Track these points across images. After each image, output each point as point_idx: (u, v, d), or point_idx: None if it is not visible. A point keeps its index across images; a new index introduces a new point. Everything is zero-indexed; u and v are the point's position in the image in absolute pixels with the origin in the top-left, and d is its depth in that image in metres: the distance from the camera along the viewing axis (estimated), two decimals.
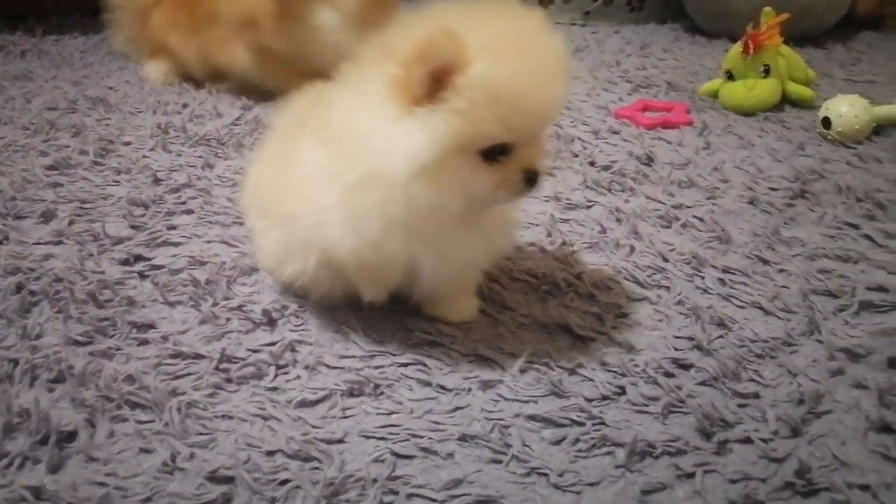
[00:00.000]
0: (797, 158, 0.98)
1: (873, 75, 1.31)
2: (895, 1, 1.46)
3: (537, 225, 0.82)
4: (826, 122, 1.03)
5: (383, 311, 0.67)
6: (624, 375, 0.58)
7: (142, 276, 0.72)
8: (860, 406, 0.54)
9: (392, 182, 0.51)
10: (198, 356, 0.61)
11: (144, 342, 0.62)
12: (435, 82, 0.49)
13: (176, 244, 0.78)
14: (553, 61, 0.53)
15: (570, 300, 0.69)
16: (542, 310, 0.67)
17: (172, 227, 0.81)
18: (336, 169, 0.55)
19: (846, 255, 0.74)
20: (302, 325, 0.66)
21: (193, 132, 1.07)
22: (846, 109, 1.02)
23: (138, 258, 0.75)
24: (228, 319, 0.66)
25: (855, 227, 0.80)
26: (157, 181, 0.92)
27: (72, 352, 0.60)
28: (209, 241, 0.79)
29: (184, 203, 0.87)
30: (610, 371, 0.59)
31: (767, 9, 1.18)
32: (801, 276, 0.72)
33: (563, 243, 0.78)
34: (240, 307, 0.67)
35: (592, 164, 0.98)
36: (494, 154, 0.52)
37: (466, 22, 0.50)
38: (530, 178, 0.54)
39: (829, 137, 1.03)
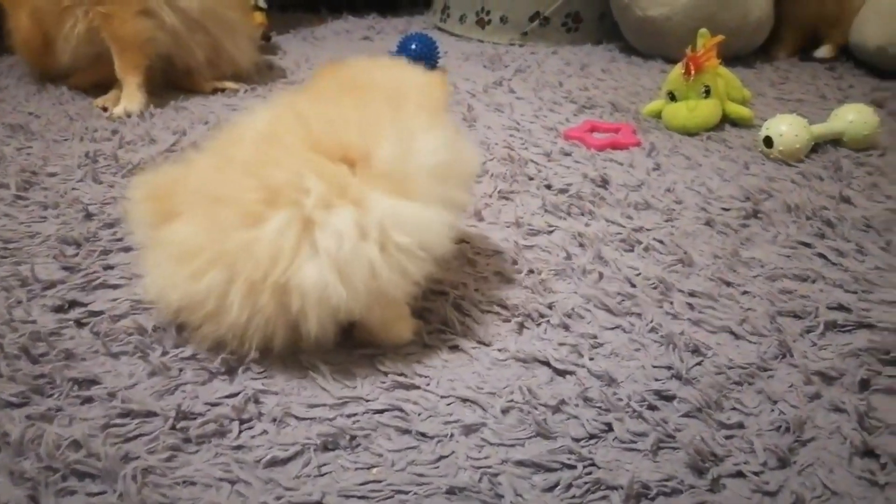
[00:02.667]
0: (744, 177, 1.00)
1: (802, 94, 1.37)
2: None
3: (501, 252, 0.81)
4: (768, 142, 1.06)
5: (350, 352, 0.63)
6: (609, 411, 0.57)
7: (79, 324, 0.66)
8: (841, 431, 0.54)
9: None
10: (150, 414, 0.55)
11: (88, 400, 0.56)
12: None
13: (115, 286, 0.72)
14: None
15: (544, 332, 0.67)
16: (517, 343, 0.65)
17: (110, 267, 0.75)
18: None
19: (804, 275, 0.76)
20: (264, 372, 0.61)
21: (126, 160, 1.00)
22: (786, 129, 1.05)
23: (74, 304, 0.68)
24: (181, 370, 0.60)
25: (808, 245, 0.82)
26: (88, 216, 0.85)
27: (5, 416, 0.54)
28: None
29: (121, 239, 0.80)
30: (594, 406, 0.57)
31: (703, 30, 1.22)
32: (764, 297, 0.72)
33: (531, 271, 0.76)
34: (193, 356, 0.62)
35: (549, 187, 0.98)
36: None
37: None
38: None
39: (772, 156, 1.06)
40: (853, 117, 1.09)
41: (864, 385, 0.59)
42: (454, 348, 0.65)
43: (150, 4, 1.20)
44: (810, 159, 1.06)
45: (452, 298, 0.71)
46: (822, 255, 0.80)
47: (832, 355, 0.63)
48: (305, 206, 0.54)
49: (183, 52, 1.28)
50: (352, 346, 0.64)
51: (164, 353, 0.62)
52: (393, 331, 0.64)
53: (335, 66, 0.72)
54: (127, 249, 0.78)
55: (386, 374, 0.61)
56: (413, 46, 1.48)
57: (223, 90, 1.36)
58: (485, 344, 0.65)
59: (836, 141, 1.11)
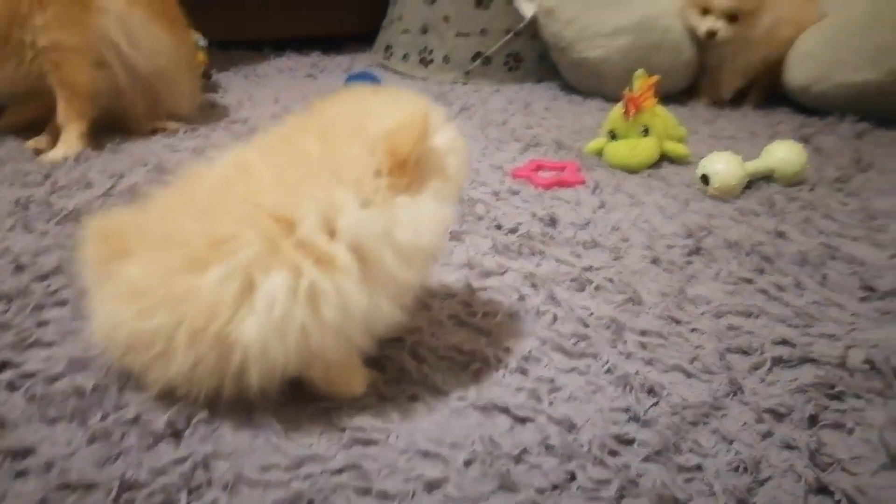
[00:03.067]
0: (685, 214, 1.04)
1: (734, 131, 1.44)
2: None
3: (455, 295, 0.80)
4: (705, 179, 1.11)
5: (304, 406, 0.61)
6: (571, 458, 0.56)
7: (11, 387, 0.61)
8: (795, 469, 0.56)
9: (429, 254, 0.58)
10: (91, 486, 0.52)
11: (22, 473, 0.52)
12: (417, 161, 0.55)
13: (49, 344, 0.68)
14: None
15: (502, 377, 0.67)
16: (476, 391, 0.64)
17: (44, 323, 0.71)
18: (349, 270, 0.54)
19: (748, 311, 0.78)
20: (214, 433, 0.58)
21: (60, 207, 0.96)
22: (722, 167, 1.10)
23: (5, 364, 0.64)
24: (124, 434, 0.57)
25: (749, 281, 0.85)
26: (19, 268, 0.80)
27: None
28: (89, 339, 0.69)
29: (55, 293, 0.76)
30: (556, 455, 0.57)
31: (639, 71, 1.26)
32: (712, 334, 0.74)
33: (486, 314, 0.76)
34: (136, 418, 0.59)
35: (499, 227, 0.98)
36: None
37: (399, 104, 0.58)
38: None
39: (709, 193, 1.10)
40: (783, 154, 1.14)
41: (813, 421, 0.61)
42: (412, 398, 0.64)
43: (104, 57, 1.17)
44: (746, 196, 1.10)
45: (409, 345, 0.70)
46: (763, 291, 0.82)
47: (781, 391, 0.65)
48: (244, 261, 0.53)
49: (125, 104, 1.26)
50: (305, 399, 0.62)
51: (105, 417, 0.58)
52: (344, 385, 0.62)
53: (321, 103, 0.63)
54: (62, 303, 0.74)
55: (343, 429, 0.59)
56: (358, 83, 1.48)
57: (162, 130, 1.32)
58: (443, 392, 0.64)
59: (768, 177, 1.16)
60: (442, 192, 0.57)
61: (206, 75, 1.63)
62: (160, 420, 0.58)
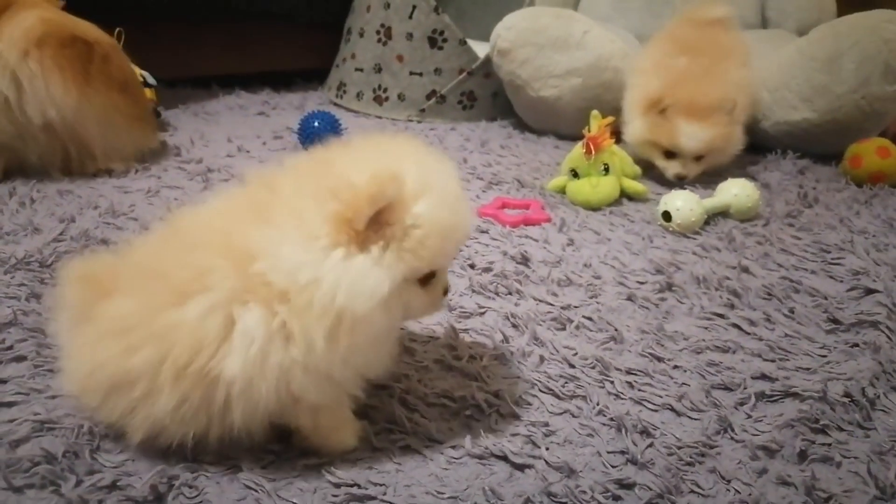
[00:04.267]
0: (651, 251, 1.06)
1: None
2: None
3: (437, 338, 0.79)
4: (666, 216, 1.14)
5: (294, 462, 0.58)
6: None
7: None
8: None
9: (355, 316, 0.51)
10: None
11: None
12: (377, 221, 0.51)
13: (10, 404, 0.62)
14: (462, 192, 0.58)
15: (495, 423, 0.65)
16: (471, 438, 0.63)
17: (2, 382, 0.65)
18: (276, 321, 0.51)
19: (725, 346, 0.80)
20: (198, 496, 0.55)
21: (8, 254, 0.90)
22: (682, 203, 1.13)
23: None
24: (101, 502, 0.53)
25: (722, 316, 0.87)
26: None
27: None
28: (54, 397, 0.64)
29: (11, 348, 0.70)
30: (558, 502, 0.56)
31: (595, 112, 1.30)
32: (694, 371, 0.75)
33: (471, 357, 0.75)
34: (114, 483, 0.54)
35: (473, 266, 0.98)
36: (428, 279, 0.56)
37: (395, 160, 0.53)
38: (446, 293, 0.60)
39: (671, 229, 1.13)
40: (737, 191, 1.19)
41: (803, 456, 0.62)
42: (405, 449, 0.62)
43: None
44: (706, 231, 1.14)
45: (398, 393, 0.68)
46: (736, 326, 0.85)
47: (769, 427, 0.66)
48: (224, 294, 0.52)
49: (44, 150, 1.21)
50: (295, 455, 0.59)
51: (79, 483, 0.54)
52: (334, 438, 0.60)
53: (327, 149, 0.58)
54: (20, 359, 0.69)
55: (336, 485, 0.57)
56: (316, 124, 1.47)
57: (109, 171, 1.26)
58: (437, 441, 0.62)
59: (723, 213, 1.20)
60: (390, 261, 0.51)
61: (155, 114, 1.58)
62: (140, 484, 0.54)
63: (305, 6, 2.24)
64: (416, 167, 0.53)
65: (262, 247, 0.51)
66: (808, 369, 0.75)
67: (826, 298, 0.90)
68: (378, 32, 1.81)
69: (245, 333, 0.51)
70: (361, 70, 1.85)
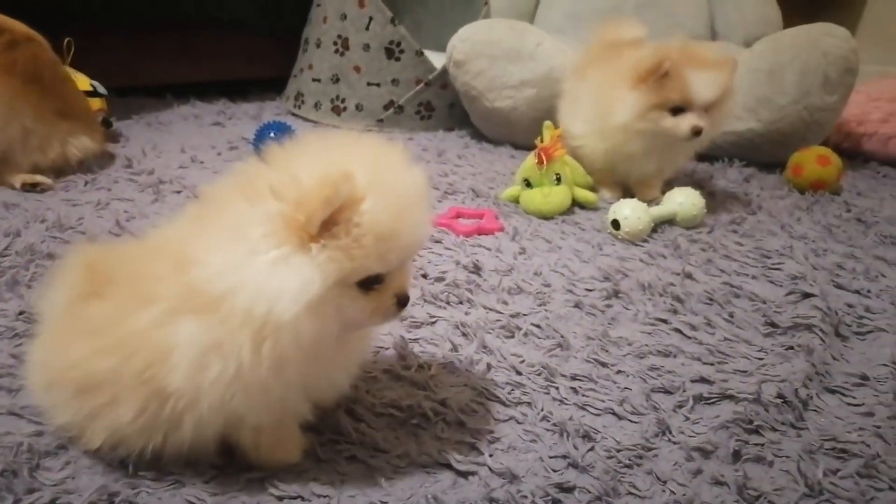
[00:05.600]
0: (600, 258, 1.08)
1: None
2: None
3: (387, 349, 0.79)
4: (615, 224, 1.16)
5: (237, 476, 0.58)
6: None
7: None
8: None
9: (279, 323, 0.49)
10: None
11: None
12: (329, 222, 0.49)
13: None
14: (421, 193, 0.55)
15: (441, 431, 0.66)
16: (416, 447, 0.63)
17: None
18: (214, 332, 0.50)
19: (666, 351, 0.82)
20: None
21: None
22: (630, 212, 1.16)
23: None
24: None
25: (665, 321, 0.89)
26: None
27: None
28: None
29: None
30: None
31: (548, 123, 1.33)
32: (637, 375, 0.77)
33: (420, 366, 0.76)
34: (53, 502, 0.54)
35: (425, 276, 0.99)
36: (371, 284, 0.53)
37: (348, 159, 0.51)
38: (401, 302, 0.56)
39: (620, 237, 1.16)
40: (683, 199, 1.23)
41: (737, 456, 0.64)
42: (351, 459, 0.62)
43: None
44: (653, 239, 1.17)
45: (344, 405, 0.68)
46: (678, 330, 0.87)
47: (705, 429, 0.68)
48: (169, 305, 0.52)
49: None
50: (238, 468, 0.59)
51: (17, 502, 0.53)
52: (277, 453, 0.60)
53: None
54: None
55: (280, 498, 0.57)
56: (272, 134, 1.46)
57: (34, 185, 1.23)
58: (383, 451, 0.63)
59: (670, 221, 1.23)
60: (321, 261, 0.48)
61: (106, 123, 1.56)
62: (79, 502, 0.53)
63: (261, 15, 2.24)
64: (366, 165, 0.50)
65: (197, 254, 0.50)
66: (744, 372, 0.78)
67: (765, 303, 0.94)
68: (335, 43, 1.81)
69: (182, 346, 0.50)
70: (319, 80, 1.85)
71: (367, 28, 1.77)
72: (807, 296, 0.94)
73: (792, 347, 0.82)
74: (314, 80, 1.86)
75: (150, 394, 0.52)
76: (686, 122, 1.19)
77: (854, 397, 0.74)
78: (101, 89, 1.60)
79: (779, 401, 0.72)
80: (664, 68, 1.17)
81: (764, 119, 1.52)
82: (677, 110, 1.20)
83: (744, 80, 1.55)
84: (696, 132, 1.19)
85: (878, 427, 0.69)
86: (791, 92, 1.49)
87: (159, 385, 0.51)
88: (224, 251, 0.49)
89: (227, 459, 0.60)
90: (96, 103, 1.54)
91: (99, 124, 1.45)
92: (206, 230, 0.52)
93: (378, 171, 0.51)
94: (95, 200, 1.18)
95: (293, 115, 1.91)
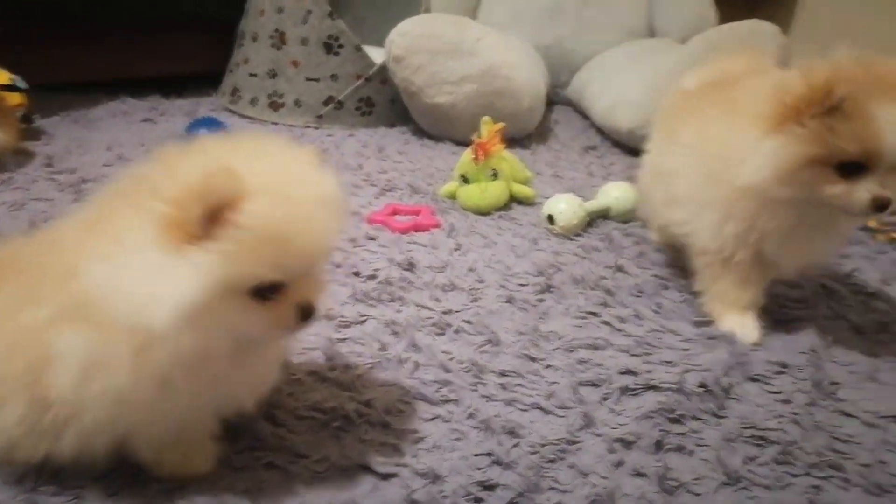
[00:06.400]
0: (535, 253, 1.09)
1: (574, 172, 1.54)
2: None
3: (314, 349, 0.78)
4: (550, 219, 1.17)
5: (144, 488, 0.56)
6: None
7: None
8: (646, 496, 0.59)
9: (155, 334, 0.46)
10: None
11: None
12: (210, 221, 0.45)
13: None
14: (324, 199, 0.51)
15: (364, 433, 0.65)
16: (337, 450, 0.62)
17: None
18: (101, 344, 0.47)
19: (595, 344, 0.83)
20: None
21: None
22: (564, 207, 1.17)
23: None
24: None
25: (595, 314, 0.90)
26: None
27: None
28: None
29: None
30: None
31: (486, 118, 1.32)
32: (565, 369, 0.77)
33: (346, 367, 0.74)
34: None
35: (357, 274, 0.97)
36: (266, 292, 0.49)
37: (237, 158, 0.48)
38: (305, 313, 0.52)
39: (555, 232, 1.16)
40: (617, 194, 1.24)
41: (659, 446, 0.65)
42: (269, 466, 0.60)
43: None
44: (588, 233, 1.17)
45: (263, 409, 0.66)
46: (607, 323, 0.88)
47: (628, 420, 0.69)
48: (51, 311, 0.49)
49: None
50: (146, 480, 0.57)
51: None
52: (186, 465, 0.57)
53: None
54: None
55: None
56: (203, 130, 1.42)
57: None
58: (303, 456, 0.61)
59: (605, 215, 1.24)
60: (202, 266, 0.45)
61: (27, 120, 1.49)
62: None
63: (197, 8, 2.17)
64: (257, 164, 0.48)
65: (81, 261, 0.48)
66: (670, 362, 0.79)
67: (692, 294, 0.95)
68: (272, 37, 1.77)
69: (64, 356, 0.48)
70: (255, 75, 1.81)
71: (305, 22, 1.73)
72: None
73: (715, 337, 0.84)
74: (251, 74, 1.82)
75: (31, 399, 0.49)
76: (865, 189, 0.72)
77: (774, 385, 0.76)
78: (22, 84, 1.52)
79: (701, 390, 0.73)
80: (836, 97, 0.70)
81: None
82: (851, 169, 0.72)
83: (675, 75, 1.58)
84: (881, 206, 0.73)
85: (796, 414, 0.71)
86: None
87: (41, 392, 0.49)
88: (104, 258, 0.47)
89: (133, 469, 0.57)
90: (15, 98, 1.47)
91: (16, 119, 1.38)
92: (90, 236, 0.49)
93: (270, 172, 0.48)
94: (11, 201, 1.13)
95: (229, 110, 1.86)
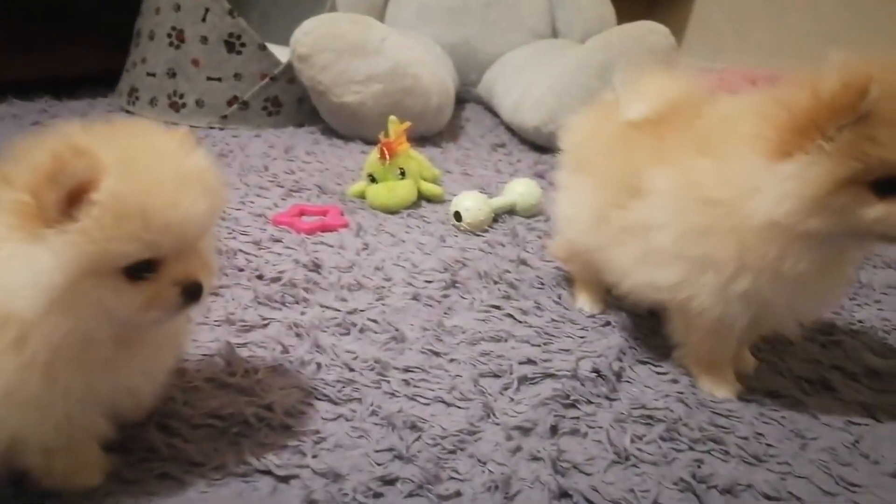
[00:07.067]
0: (442, 250, 1.10)
1: (482, 169, 1.56)
2: None
3: (213, 356, 0.76)
4: (457, 216, 1.19)
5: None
6: None
7: None
8: (540, 479, 0.61)
9: (23, 320, 0.45)
10: None
11: None
12: (67, 202, 0.45)
13: None
14: (191, 176, 0.51)
15: (264, 437, 0.64)
16: (235, 456, 0.61)
17: None
18: None
19: (498, 336, 0.85)
20: None
21: None
22: (471, 203, 1.19)
23: None
24: None
25: (498, 308, 0.92)
26: None
27: None
28: None
29: None
30: None
31: (392, 118, 1.33)
32: (468, 362, 0.79)
33: (246, 371, 0.73)
34: None
35: (260, 277, 0.96)
36: (139, 271, 0.49)
37: (94, 140, 0.48)
38: (190, 292, 0.52)
39: (462, 229, 1.19)
40: (522, 190, 1.27)
41: (554, 430, 0.68)
42: (162, 477, 0.59)
43: None
44: (494, 229, 1.20)
45: (157, 418, 0.64)
46: (510, 315, 0.90)
47: (526, 408, 0.71)
48: None
49: None
50: (33, 496, 0.54)
51: None
52: (75, 479, 0.55)
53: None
54: None
55: None
56: None
57: None
58: (199, 464, 0.60)
59: (511, 211, 1.28)
60: (60, 247, 0.45)
61: None
62: None
63: (90, 5, 2.07)
64: (115, 144, 0.48)
65: None
66: (567, 350, 0.82)
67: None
68: (169, 35, 1.71)
69: None
70: (154, 75, 1.74)
71: (204, 19, 1.68)
72: None
73: (609, 324, 0.88)
74: (149, 74, 1.75)
75: None
76: None
77: (662, 367, 0.80)
78: None
79: (594, 375, 0.76)
80: (867, 103, 0.58)
81: None
82: (889, 186, 0.60)
83: (577, 76, 1.64)
84: None
85: (681, 393, 0.75)
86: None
87: None
88: None
89: (19, 483, 0.54)
90: None
91: None
92: None
93: (128, 150, 0.48)
94: None
95: (127, 112, 1.78)
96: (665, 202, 0.70)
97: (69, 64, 1.91)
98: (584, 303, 0.93)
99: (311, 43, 1.60)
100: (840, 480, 0.64)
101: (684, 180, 0.68)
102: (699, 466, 0.65)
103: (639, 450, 0.66)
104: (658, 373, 0.79)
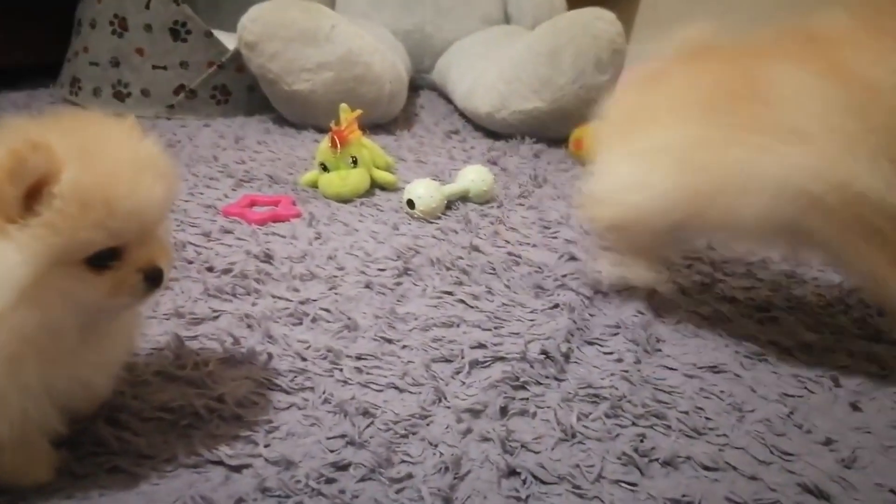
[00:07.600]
0: (395, 238, 1.11)
1: (436, 157, 1.57)
2: None
3: (162, 349, 0.75)
4: (410, 204, 1.20)
5: None
6: (288, 497, 0.57)
7: None
8: (490, 458, 0.63)
9: None
10: None
11: None
12: (27, 197, 0.46)
13: None
14: (146, 162, 0.52)
15: (216, 428, 0.64)
16: (186, 448, 0.61)
17: None
18: None
19: (450, 321, 0.86)
20: None
21: None
22: (423, 191, 1.20)
23: None
24: None
25: (450, 294, 0.93)
26: None
27: None
28: None
29: None
30: (273, 496, 0.57)
31: (343, 105, 1.33)
32: (420, 348, 0.80)
33: (196, 364, 0.73)
34: None
35: (211, 269, 0.95)
36: (102, 260, 0.50)
37: (48, 133, 0.48)
38: (151, 277, 0.53)
39: (415, 216, 1.19)
40: (474, 176, 1.29)
41: (504, 412, 0.70)
42: (113, 470, 0.58)
43: None
44: (447, 216, 1.21)
45: (105, 412, 0.64)
46: (462, 301, 0.92)
47: (477, 391, 0.73)
48: None
49: None
50: None
51: None
52: (24, 475, 0.55)
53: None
54: None
55: None
56: None
57: None
58: (149, 457, 0.60)
59: (465, 197, 1.29)
60: (24, 241, 0.46)
61: None
62: None
63: None
64: (68, 136, 0.48)
65: None
66: (517, 334, 0.84)
67: (539, 269, 1.01)
68: (112, 23, 1.66)
69: None
70: (97, 64, 1.70)
71: (148, 7, 1.64)
72: (573, 259, 1.04)
73: (557, 305, 0.90)
74: (91, 63, 1.70)
75: None
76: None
77: (608, 346, 0.83)
78: None
79: (542, 357, 0.78)
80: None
81: (547, 98, 1.63)
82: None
83: (528, 63, 1.66)
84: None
85: (626, 371, 0.78)
86: (568, 72, 1.61)
87: None
88: None
89: None
90: None
91: None
92: None
93: (83, 140, 0.49)
94: None
95: (70, 102, 1.73)
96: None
97: (7, 54, 1.85)
98: (638, 274, 0.87)
99: (259, 31, 1.58)
100: (774, 450, 0.67)
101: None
102: (642, 441, 0.67)
103: (585, 427, 0.69)
104: (604, 352, 0.82)
